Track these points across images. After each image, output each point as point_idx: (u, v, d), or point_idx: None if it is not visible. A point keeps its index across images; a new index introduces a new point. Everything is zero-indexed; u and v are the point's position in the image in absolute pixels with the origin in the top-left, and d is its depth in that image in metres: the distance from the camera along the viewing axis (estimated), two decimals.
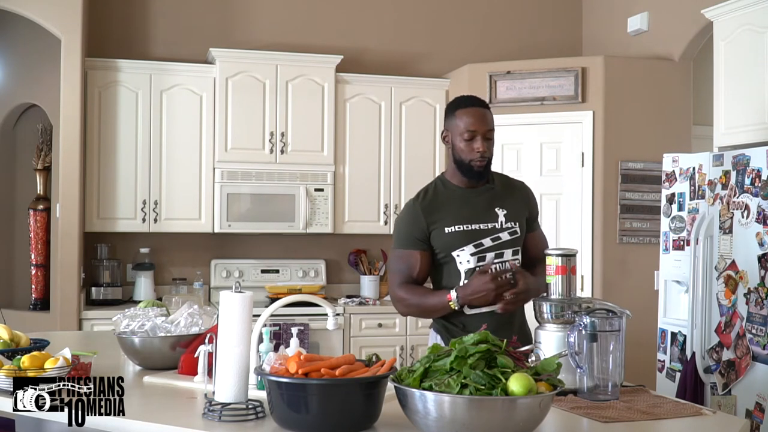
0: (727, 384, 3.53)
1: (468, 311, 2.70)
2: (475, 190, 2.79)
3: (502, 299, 2.61)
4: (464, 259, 2.72)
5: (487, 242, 2.73)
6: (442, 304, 2.69)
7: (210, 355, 2.35)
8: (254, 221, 5.22)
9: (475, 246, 2.72)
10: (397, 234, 2.82)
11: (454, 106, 2.78)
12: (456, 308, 2.66)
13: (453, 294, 2.66)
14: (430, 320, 2.87)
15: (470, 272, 2.71)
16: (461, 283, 2.71)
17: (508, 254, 2.75)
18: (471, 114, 2.72)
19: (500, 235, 2.75)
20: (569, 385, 2.27)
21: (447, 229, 2.73)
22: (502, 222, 2.76)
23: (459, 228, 2.73)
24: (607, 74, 5.00)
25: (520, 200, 2.85)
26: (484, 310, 2.68)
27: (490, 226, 2.75)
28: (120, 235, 5.22)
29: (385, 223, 5.48)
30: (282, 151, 5.25)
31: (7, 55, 5.31)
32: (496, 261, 2.73)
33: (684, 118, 5.10)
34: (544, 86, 5.10)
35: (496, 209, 2.78)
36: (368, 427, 1.94)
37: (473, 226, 2.73)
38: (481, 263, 2.71)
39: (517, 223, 2.79)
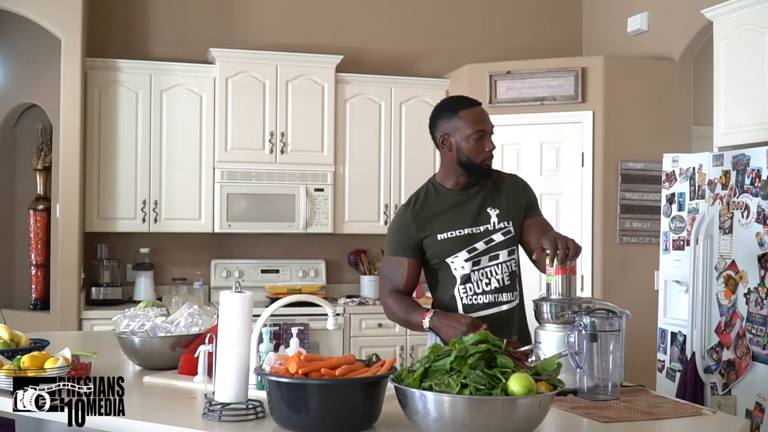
0: (727, 384, 3.53)
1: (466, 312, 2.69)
2: (467, 192, 2.75)
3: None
4: (459, 265, 2.69)
5: (480, 246, 2.70)
6: (418, 323, 2.66)
7: (210, 355, 2.35)
8: (254, 221, 5.22)
9: (469, 251, 2.69)
10: (389, 240, 2.81)
11: (454, 108, 2.72)
12: (426, 327, 2.63)
13: (429, 315, 2.63)
14: None
15: (465, 278, 2.69)
16: (455, 289, 2.70)
17: (503, 255, 2.72)
18: (477, 114, 2.69)
19: (493, 236, 2.71)
20: (569, 385, 2.27)
21: (440, 236, 2.70)
22: (494, 222, 2.72)
23: (452, 234, 2.70)
24: (607, 74, 5.00)
25: (512, 194, 2.78)
26: (482, 313, 2.67)
27: (482, 229, 2.71)
28: (120, 235, 5.22)
29: (385, 223, 5.47)
30: (282, 151, 5.25)
31: (7, 55, 5.31)
32: (491, 264, 2.70)
33: (684, 118, 5.10)
34: (544, 86, 5.10)
35: (488, 209, 2.73)
36: (368, 427, 1.94)
37: (466, 231, 2.70)
38: (476, 267, 2.68)
39: (511, 222, 2.74)
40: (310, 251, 5.65)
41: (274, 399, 1.93)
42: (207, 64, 5.26)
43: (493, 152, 2.70)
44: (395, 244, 2.77)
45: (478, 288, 2.70)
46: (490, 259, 2.70)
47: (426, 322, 2.62)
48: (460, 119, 2.69)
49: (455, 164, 2.72)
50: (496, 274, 2.70)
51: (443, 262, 2.71)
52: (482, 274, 2.69)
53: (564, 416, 2.12)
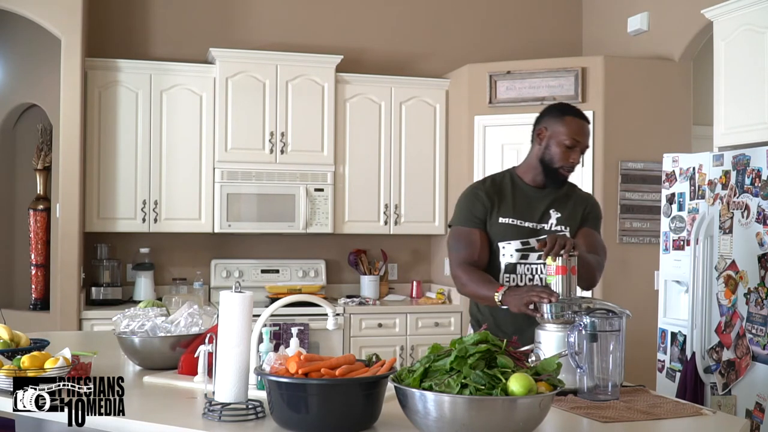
0: (727, 384, 3.53)
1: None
2: (540, 190, 2.82)
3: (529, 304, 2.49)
4: (508, 252, 2.75)
5: (533, 242, 2.75)
6: (490, 297, 2.64)
7: (210, 355, 2.35)
8: (254, 221, 5.22)
9: (522, 243, 2.75)
10: (458, 212, 2.84)
11: (564, 111, 2.80)
12: (498, 301, 2.61)
13: (502, 291, 2.59)
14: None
15: (510, 267, 2.75)
16: (500, 277, 2.75)
17: None
18: (579, 126, 2.76)
19: None
20: (569, 385, 2.27)
21: (501, 219, 2.77)
22: (552, 224, 2.79)
23: (512, 221, 2.77)
24: (607, 74, 5.00)
25: (579, 205, 2.86)
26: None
27: (539, 227, 2.78)
28: (120, 235, 5.22)
29: (385, 223, 5.48)
30: (282, 151, 5.25)
31: (7, 55, 5.31)
32: (538, 261, 2.74)
33: (684, 118, 5.10)
34: (544, 86, 5.10)
35: (551, 210, 2.80)
36: (368, 427, 1.94)
37: (526, 224, 2.77)
38: (523, 261, 2.74)
39: (569, 228, 2.80)
40: (310, 251, 5.65)
41: (274, 399, 1.93)
42: (207, 64, 5.26)
43: (575, 166, 2.77)
44: (465, 215, 2.80)
45: (521, 281, 2.75)
46: (539, 257, 2.74)
47: (498, 296, 2.60)
48: (563, 122, 2.76)
49: (537, 160, 2.81)
50: (541, 273, 2.74)
51: (495, 245, 2.76)
52: (527, 269, 2.76)
53: (564, 416, 2.12)
